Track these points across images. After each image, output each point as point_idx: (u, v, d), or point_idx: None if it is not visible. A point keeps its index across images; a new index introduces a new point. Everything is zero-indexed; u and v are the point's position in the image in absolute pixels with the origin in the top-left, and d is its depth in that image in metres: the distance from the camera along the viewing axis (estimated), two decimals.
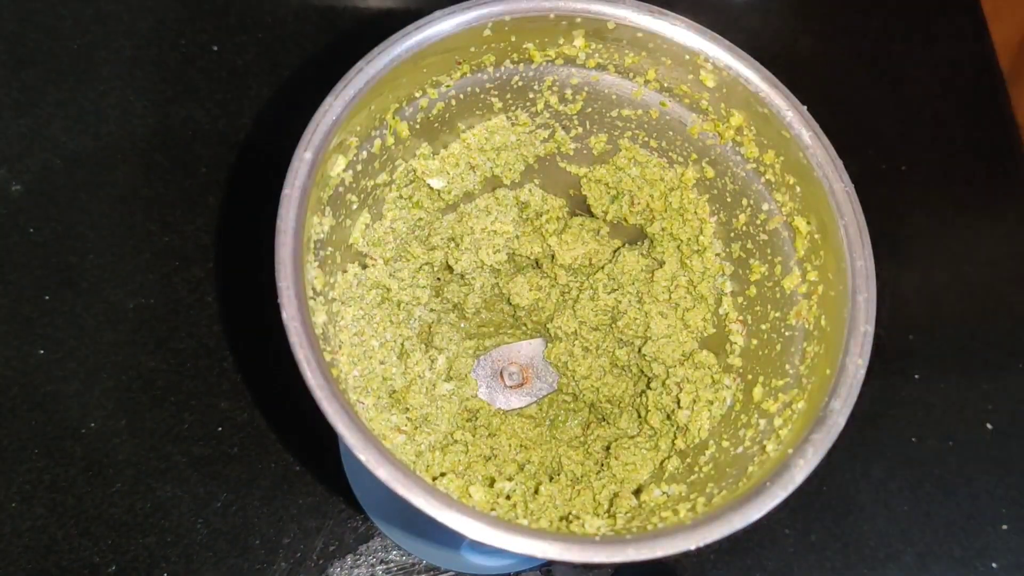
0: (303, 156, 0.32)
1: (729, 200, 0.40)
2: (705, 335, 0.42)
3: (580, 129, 0.42)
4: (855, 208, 0.34)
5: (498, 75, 0.39)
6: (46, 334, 0.51)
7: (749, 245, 0.39)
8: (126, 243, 0.54)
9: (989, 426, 0.55)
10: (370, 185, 0.38)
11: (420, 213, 0.41)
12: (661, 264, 0.43)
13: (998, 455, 0.54)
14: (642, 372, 0.45)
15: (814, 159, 0.35)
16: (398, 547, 0.48)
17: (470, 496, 0.37)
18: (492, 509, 0.38)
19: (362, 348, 0.38)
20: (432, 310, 0.46)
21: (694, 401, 0.40)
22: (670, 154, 0.41)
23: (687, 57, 0.37)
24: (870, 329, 0.32)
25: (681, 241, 0.42)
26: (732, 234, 0.40)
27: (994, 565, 0.51)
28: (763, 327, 0.39)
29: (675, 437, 0.41)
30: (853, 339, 0.32)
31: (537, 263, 0.47)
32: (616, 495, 0.39)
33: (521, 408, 0.47)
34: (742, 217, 0.39)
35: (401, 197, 0.40)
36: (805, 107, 0.36)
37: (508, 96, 0.40)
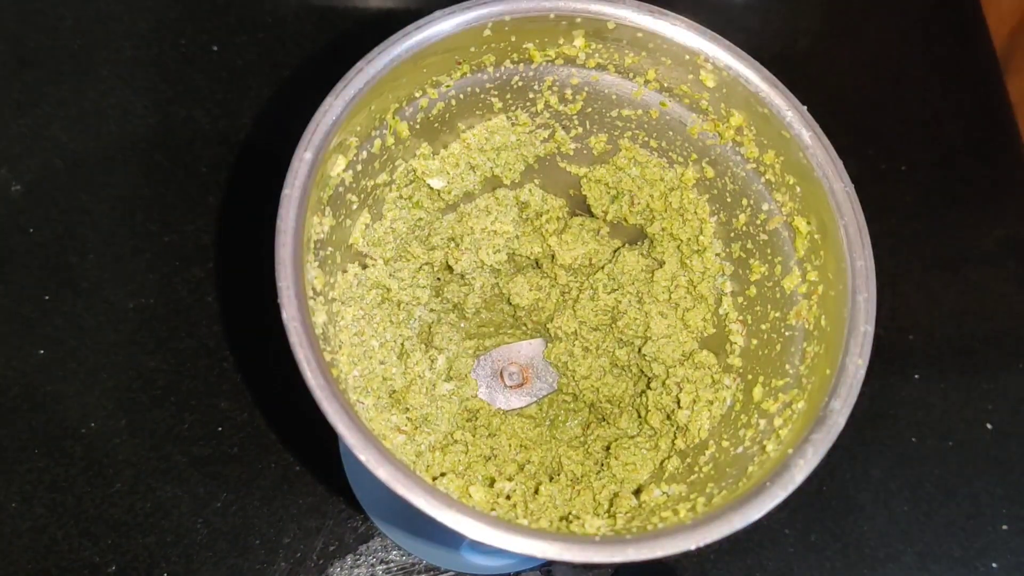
0: (303, 156, 0.32)
1: (729, 200, 0.40)
2: (705, 335, 0.42)
3: (580, 129, 0.42)
4: (855, 208, 0.34)
5: (498, 75, 0.39)
6: (46, 334, 0.51)
7: (749, 245, 0.39)
8: (126, 243, 0.54)
9: (989, 426, 0.55)
10: (370, 185, 0.38)
11: (420, 213, 0.41)
12: (661, 264, 0.43)
13: (998, 455, 0.54)
14: (642, 372, 0.45)
15: (814, 159, 0.35)
16: (398, 547, 0.48)
17: (470, 496, 0.37)
18: (492, 509, 0.38)
19: (362, 348, 0.38)
20: (432, 310, 0.46)
21: (694, 401, 0.40)
22: (670, 154, 0.41)
23: (687, 57, 0.37)
24: (870, 329, 0.32)
25: (681, 241, 0.42)
26: (732, 234, 0.40)
27: (994, 565, 0.51)
28: (763, 327, 0.39)
29: (675, 437, 0.41)
30: (853, 339, 0.32)
31: (537, 263, 0.47)
32: (616, 495, 0.39)
33: (521, 408, 0.47)
34: (742, 217, 0.39)
35: (401, 197, 0.40)
36: (805, 107, 0.36)
37: (508, 96, 0.40)
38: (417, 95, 0.37)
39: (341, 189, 0.36)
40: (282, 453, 0.50)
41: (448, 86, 0.38)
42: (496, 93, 0.39)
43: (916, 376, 0.57)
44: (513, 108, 0.40)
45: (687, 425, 0.40)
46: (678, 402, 0.41)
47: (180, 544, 0.47)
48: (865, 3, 0.70)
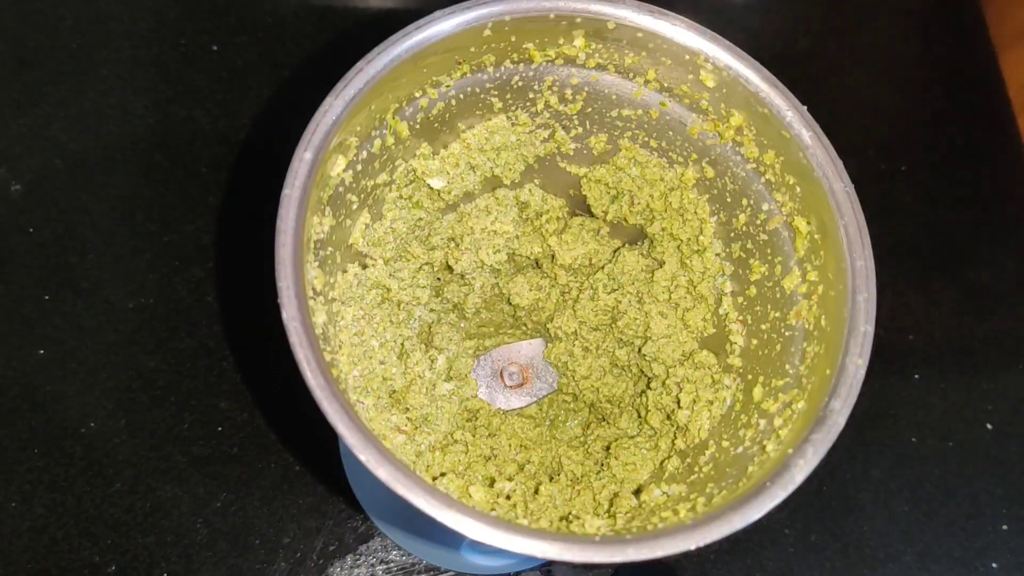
0: (303, 156, 0.32)
1: (729, 200, 0.40)
2: (705, 335, 0.42)
3: (580, 129, 0.42)
4: (855, 208, 0.34)
5: (498, 75, 0.39)
6: (46, 334, 0.51)
7: (749, 245, 0.39)
8: (126, 243, 0.54)
9: (989, 426, 0.55)
10: (370, 185, 0.38)
11: (420, 213, 0.41)
12: (661, 264, 0.43)
13: (998, 455, 0.54)
14: (642, 372, 0.45)
15: (814, 159, 0.35)
16: (398, 547, 0.48)
17: (470, 496, 0.37)
18: (492, 509, 0.38)
19: (362, 348, 0.38)
20: (432, 310, 0.46)
21: (694, 401, 0.40)
22: (670, 154, 0.41)
23: (687, 57, 0.37)
24: (870, 329, 0.32)
25: (681, 241, 0.42)
26: (732, 234, 0.40)
27: (994, 565, 0.51)
28: (763, 327, 0.39)
29: (675, 437, 0.41)
30: (853, 339, 0.32)
31: (537, 263, 0.47)
32: (616, 495, 0.39)
33: (521, 408, 0.47)
34: (742, 217, 0.39)
35: (401, 197, 0.40)
36: (805, 107, 0.36)
37: (508, 96, 0.40)
38: (417, 95, 0.37)
39: (341, 189, 0.36)
40: (282, 453, 0.50)
41: (448, 86, 0.38)
42: (496, 93, 0.39)
43: (916, 376, 0.57)
44: (513, 108, 0.40)
45: (687, 425, 0.40)
46: (678, 402, 0.41)
47: (180, 544, 0.47)
48: (865, 3, 0.70)
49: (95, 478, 0.48)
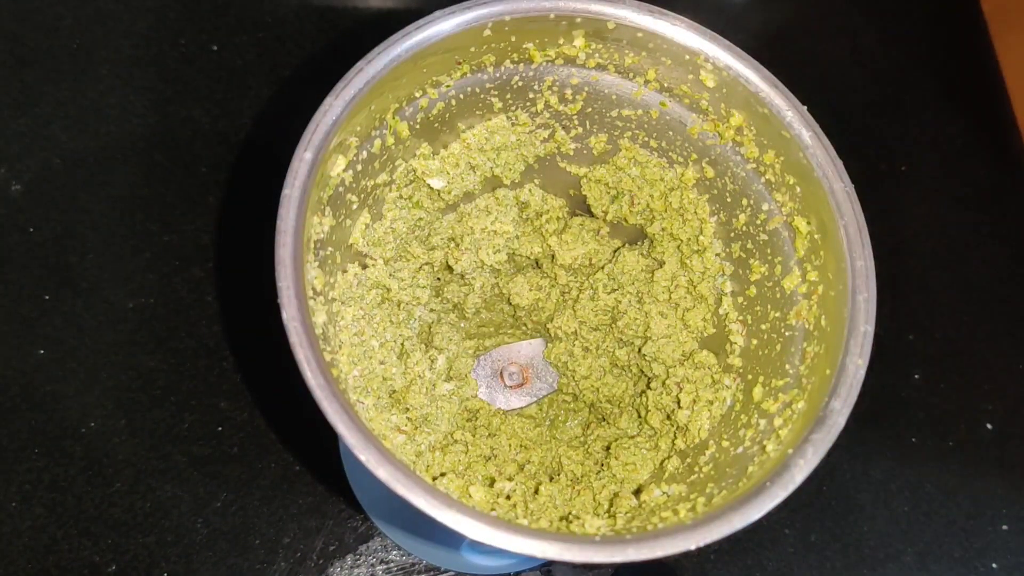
0: (303, 156, 0.32)
1: (729, 200, 0.40)
2: (705, 335, 0.42)
3: (580, 129, 0.42)
4: (855, 208, 0.34)
5: (498, 75, 0.38)
6: (46, 334, 0.51)
7: (749, 245, 0.39)
8: (126, 243, 0.54)
9: (989, 426, 0.55)
10: (370, 185, 0.38)
11: (420, 213, 0.41)
12: (661, 264, 0.43)
13: (998, 455, 0.54)
14: (642, 372, 0.45)
15: (814, 159, 0.35)
16: (398, 547, 0.48)
17: (470, 496, 0.37)
18: (492, 509, 0.38)
19: (362, 348, 0.38)
20: (432, 310, 0.46)
21: (694, 401, 0.40)
22: (670, 154, 0.41)
23: (687, 57, 0.37)
24: (870, 329, 0.32)
25: (681, 241, 0.42)
26: (732, 234, 0.40)
27: (994, 565, 0.51)
28: (763, 327, 0.39)
29: (675, 437, 0.41)
30: (853, 339, 0.32)
31: (537, 263, 0.47)
32: (616, 495, 0.39)
33: (521, 408, 0.47)
34: (742, 217, 0.39)
35: (401, 197, 0.40)
36: (805, 107, 0.36)
37: (508, 96, 0.40)
38: (417, 95, 0.37)
39: (341, 189, 0.36)
40: (282, 453, 0.50)
41: (448, 86, 0.38)
42: (496, 93, 0.39)
43: (916, 376, 0.57)
44: (513, 108, 0.40)
45: (687, 425, 0.40)
46: (678, 402, 0.41)
47: (180, 544, 0.47)
48: (865, 4, 0.70)
49: (95, 478, 0.48)
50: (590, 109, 0.41)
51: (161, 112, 0.58)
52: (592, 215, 0.45)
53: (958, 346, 0.58)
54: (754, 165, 0.38)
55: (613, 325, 0.45)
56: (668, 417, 0.42)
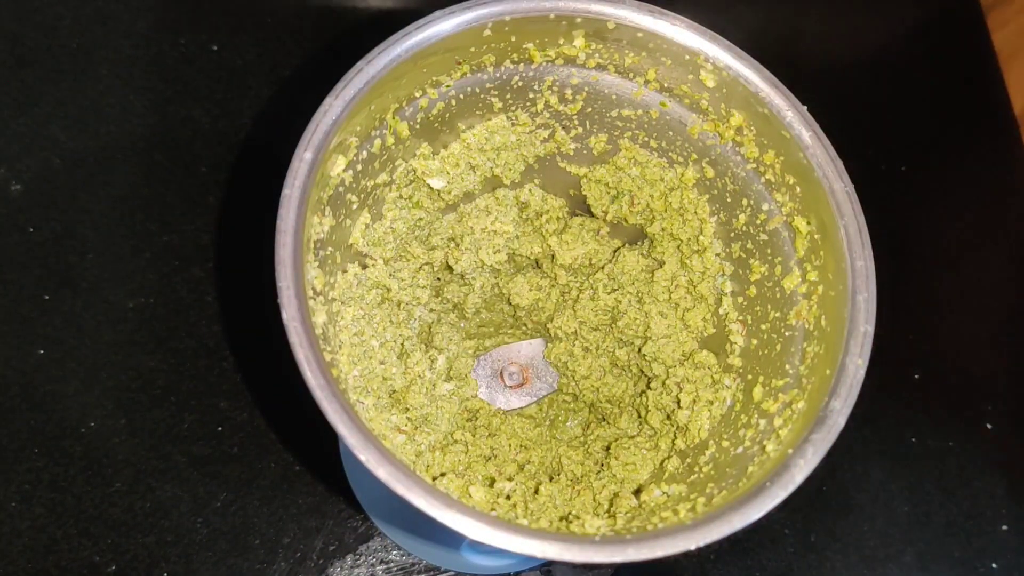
0: (303, 156, 0.32)
1: (729, 200, 0.40)
2: (705, 335, 0.42)
3: (580, 129, 0.42)
4: (855, 208, 0.34)
5: (498, 75, 0.38)
6: (46, 334, 0.51)
7: (749, 245, 0.39)
8: (126, 243, 0.54)
9: (989, 426, 0.55)
10: (370, 185, 0.38)
11: (420, 213, 0.41)
12: (661, 264, 0.43)
13: (998, 455, 0.54)
14: (642, 372, 0.45)
15: (814, 159, 0.35)
16: (398, 547, 0.48)
17: (470, 496, 0.37)
18: (492, 509, 0.38)
19: (362, 348, 0.38)
20: (432, 310, 0.46)
21: (694, 401, 0.40)
22: (670, 154, 0.41)
23: (687, 57, 0.37)
24: (870, 329, 0.32)
25: (681, 241, 0.42)
26: (732, 234, 0.40)
27: (994, 565, 0.51)
28: (763, 327, 0.39)
29: (675, 437, 0.41)
30: (853, 339, 0.32)
31: (537, 263, 0.47)
32: (616, 495, 0.39)
33: (521, 408, 0.47)
34: (742, 217, 0.39)
35: (401, 197, 0.40)
36: (805, 107, 0.36)
37: (508, 96, 0.40)
38: (417, 95, 0.37)
39: (341, 189, 0.36)
40: (282, 453, 0.50)
41: (448, 86, 0.38)
42: (496, 93, 0.39)
43: (916, 376, 0.57)
44: (513, 108, 0.40)
45: (687, 425, 0.40)
46: (678, 402, 0.41)
47: (180, 544, 0.47)
48: (865, 3, 0.70)
49: (95, 478, 0.48)
50: (590, 109, 0.41)
51: (161, 112, 0.58)
52: (592, 215, 0.45)
53: (958, 346, 0.58)
54: (754, 165, 0.38)
55: (613, 325, 0.45)
56: (668, 417, 0.42)
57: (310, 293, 0.33)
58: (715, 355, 0.41)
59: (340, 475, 0.48)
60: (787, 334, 0.37)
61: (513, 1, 0.35)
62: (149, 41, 0.60)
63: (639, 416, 0.44)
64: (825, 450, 0.30)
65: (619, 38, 0.37)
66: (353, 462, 0.48)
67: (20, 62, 0.58)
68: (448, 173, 0.41)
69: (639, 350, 0.44)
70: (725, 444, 0.37)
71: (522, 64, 0.38)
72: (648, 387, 0.44)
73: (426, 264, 0.43)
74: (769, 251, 0.38)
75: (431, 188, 0.41)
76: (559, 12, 0.36)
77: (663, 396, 0.42)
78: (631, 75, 0.39)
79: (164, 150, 0.57)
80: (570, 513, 0.38)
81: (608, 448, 0.43)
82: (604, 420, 0.46)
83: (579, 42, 0.37)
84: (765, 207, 0.38)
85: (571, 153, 0.43)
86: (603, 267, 0.45)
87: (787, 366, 0.36)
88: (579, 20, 0.36)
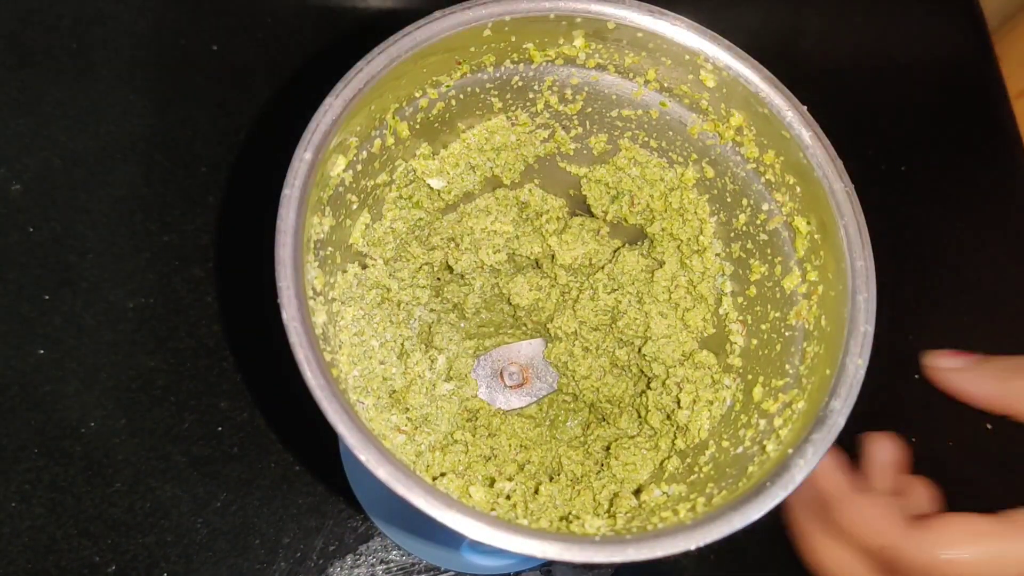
0: (303, 156, 0.32)
1: (729, 200, 0.40)
2: (705, 335, 0.42)
3: (580, 129, 0.42)
4: (855, 208, 0.34)
5: (498, 75, 0.38)
6: (46, 334, 0.51)
7: (749, 245, 0.39)
8: (126, 243, 0.54)
9: (989, 426, 0.55)
10: (370, 185, 0.38)
11: (420, 213, 0.41)
12: (661, 264, 0.43)
13: (998, 455, 0.54)
14: (642, 372, 0.45)
15: (814, 159, 0.35)
16: (398, 547, 0.48)
17: (470, 496, 0.37)
18: (492, 509, 0.38)
19: (362, 348, 0.38)
20: (432, 310, 0.46)
21: (694, 401, 0.40)
22: (670, 154, 0.41)
23: (687, 57, 0.37)
24: (870, 329, 0.32)
25: (681, 241, 0.42)
26: (732, 234, 0.40)
27: None
28: (763, 327, 0.39)
29: (675, 437, 0.41)
30: (853, 339, 0.32)
31: (537, 263, 0.47)
32: (616, 495, 0.39)
33: (521, 408, 0.47)
34: (742, 217, 0.39)
35: (401, 197, 0.40)
36: (805, 107, 0.36)
37: (508, 96, 0.40)
38: (417, 95, 0.37)
39: (341, 189, 0.36)
40: (282, 453, 0.50)
41: (448, 86, 0.38)
42: (496, 93, 0.39)
43: (916, 376, 0.56)
44: (513, 108, 0.40)
45: (687, 425, 0.40)
46: (678, 402, 0.41)
47: (180, 544, 0.47)
48: (865, 3, 0.70)
49: (95, 478, 0.48)
50: (590, 109, 0.41)
51: (161, 112, 0.58)
52: (592, 215, 0.45)
53: (958, 346, 0.58)
54: (754, 165, 0.38)
55: (613, 325, 0.45)
56: (668, 417, 0.42)
57: (310, 293, 0.33)
58: (715, 355, 0.41)
59: (340, 475, 0.48)
60: (787, 334, 0.37)
61: (513, 1, 0.35)
62: (150, 41, 0.60)
63: (639, 416, 0.44)
64: (825, 450, 0.30)
65: (619, 38, 0.37)
66: (353, 462, 0.48)
67: (20, 62, 0.58)
68: (448, 173, 0.41)
69: (639, 350, 0.44)
70: (725, 444, 0.37)
71: (522, 64, 0.38)
72: (648, 387, 0.44)
73: (426, 264, 0.43)
74: (769, 251, 0.38)
75: (431, 188, 0.41)
76: (559, 12, 0.36)
77: (663, 396, 0.42)
78: (631, 75, 0.39)
79: (164, 150, 0.57)
80: (570, 513, 0.38)
81: (608, 448, 0.43)
82: (604, 420, 0.46)
83: (579, 42, 0.37)
84: (765, 207, 0.38)
85: (571, 153, 0.43)
86: (603, 267, 0.45)
87: (787, 366, 0.36)
88: (579, 20, 0.36)
